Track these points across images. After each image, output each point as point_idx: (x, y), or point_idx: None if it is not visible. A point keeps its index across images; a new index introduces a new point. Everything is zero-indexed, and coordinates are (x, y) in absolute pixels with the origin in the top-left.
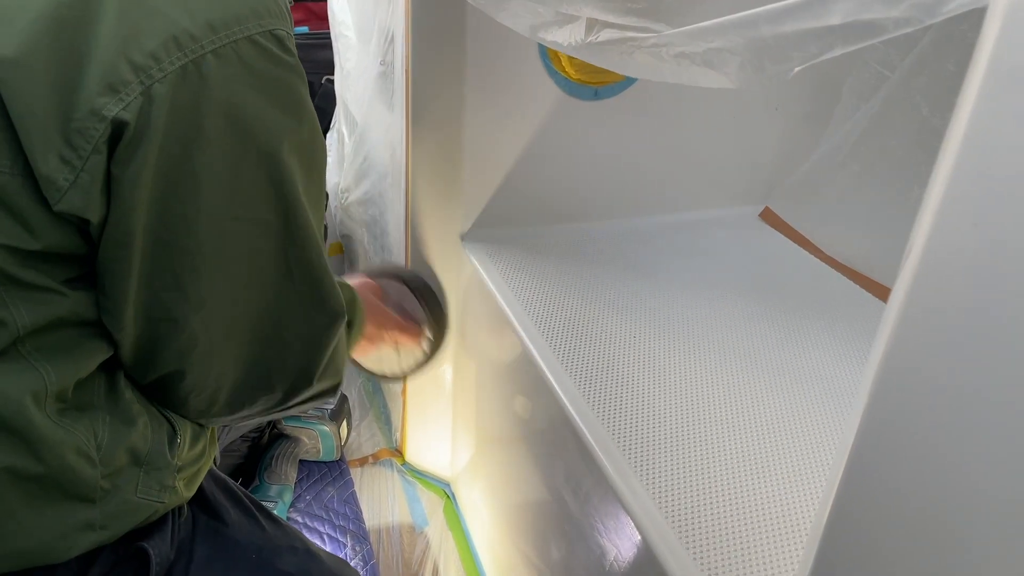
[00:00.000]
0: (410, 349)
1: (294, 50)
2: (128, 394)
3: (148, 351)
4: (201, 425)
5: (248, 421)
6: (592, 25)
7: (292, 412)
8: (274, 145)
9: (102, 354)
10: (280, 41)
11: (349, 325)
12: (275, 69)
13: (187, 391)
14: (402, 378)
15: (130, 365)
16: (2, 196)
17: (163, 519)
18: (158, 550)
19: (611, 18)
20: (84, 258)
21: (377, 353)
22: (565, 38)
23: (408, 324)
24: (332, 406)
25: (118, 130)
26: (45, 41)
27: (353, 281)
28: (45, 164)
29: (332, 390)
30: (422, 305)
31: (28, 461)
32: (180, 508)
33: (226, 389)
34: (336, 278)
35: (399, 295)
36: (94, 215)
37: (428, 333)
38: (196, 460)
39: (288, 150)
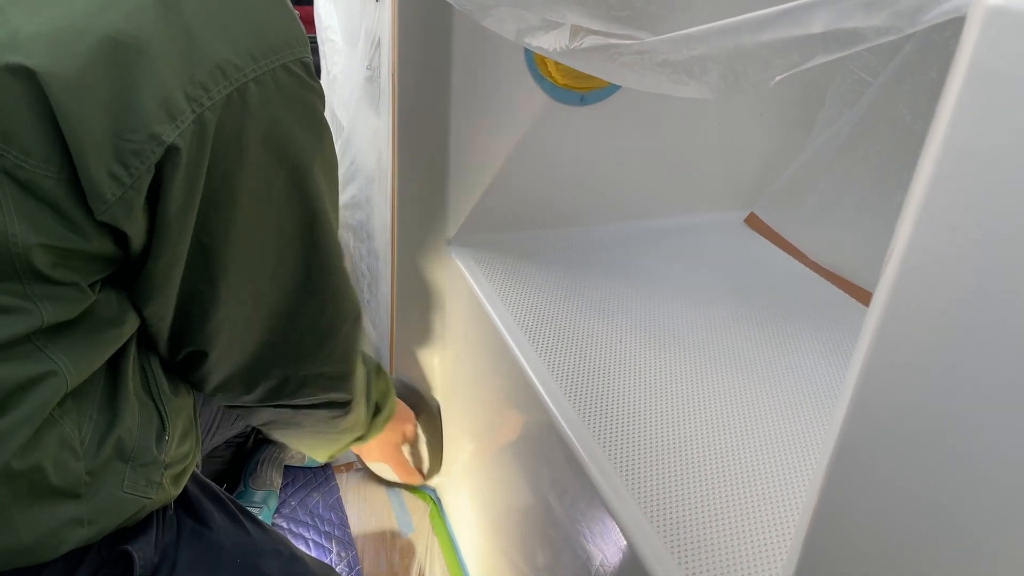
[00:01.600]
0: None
1: (315, 75)
2: (129, 385)
3: (179, 336)
4: (193, 419)
5: (257, 412)
6: (577, 31)
7: (302, 410)
8: (306, 163)
9: (113, 347)
10: (307, 67)
11: (378, 410)
12: (304, 93)
13: (209, 369)
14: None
15: (163, 347)
16: (50, 199)
17: (148, 523)
18: (142, 553)
19: (595, 25)
20: (113, 262)
21: (380, 459)
22: (550, 43)
23: (409, 434)
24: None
25: (169, 153)
26: (102, 65)
27: None
28: (96, 178)
29: (341, 404)
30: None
31: (14, 455)
32: (165, 511)
33: (242, 370)
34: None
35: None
36: (132, 228)
37: (423, 446)
38: (183, 458)
39: (316, 167)
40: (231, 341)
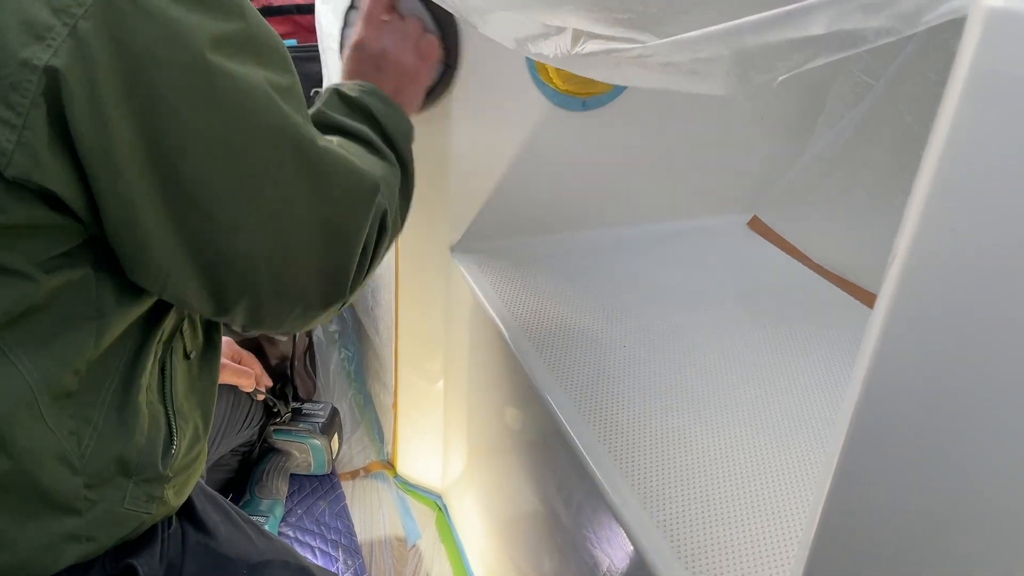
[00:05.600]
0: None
1: None
2: (140, 396)
3: (218, 296)
4: (205, 427)
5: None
6: (578, 36)
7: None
8: (199, 48)
9: (89, 342)
10: None
11: (404, 140)
12: None
13: (277, 318)
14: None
15: (214, 315)
16: None
17: (152, 535)
18: (147, 568)
19: (597, 29)
20: (60, 233)
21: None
22: (551, 50)
23: (425, 45)
24: (323, 420)
25: (53, 81)
26: None
27: (353, 57)
28: None
29: (406, 185)
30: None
31: (6, 468)
32: (169, 523)
33: (313, 300)
34: (350, 86)
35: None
36: (54, 181)
37: (437, 29)
38: (188, 466)
39: (242, 51)
40: (275, 275)
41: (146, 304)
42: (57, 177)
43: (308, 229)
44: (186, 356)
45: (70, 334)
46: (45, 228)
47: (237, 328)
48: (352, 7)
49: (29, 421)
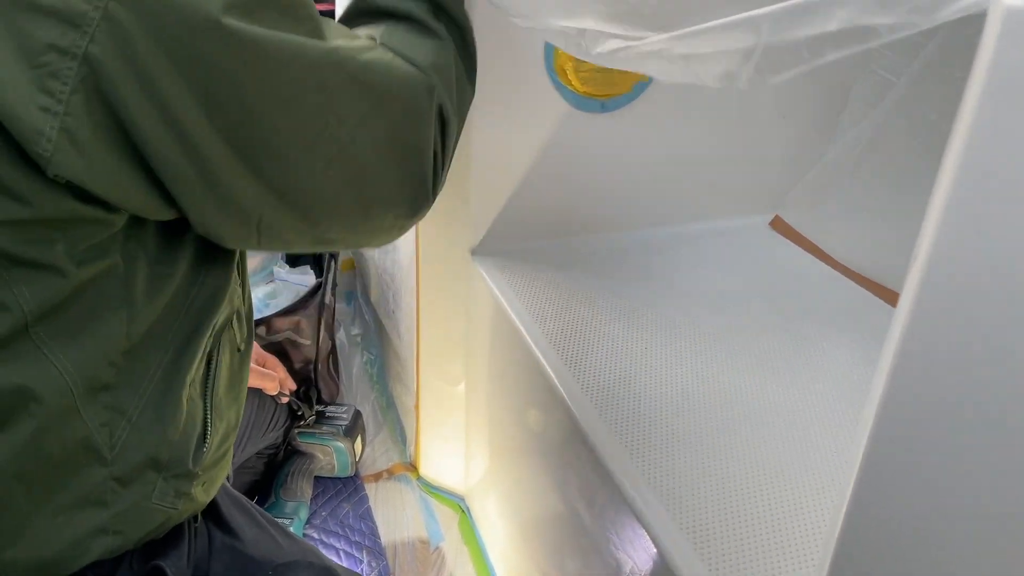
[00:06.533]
0: None
1: None
2: (184, 391)
3: (306, 226)
4: (237, 419)
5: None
6: (596, 37)
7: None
8: (246, 12)
9: (120, 331)
10: None
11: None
12: None
13: (369, 236)
14: None
15: (306, 245)
16: None
17: (180, 536)
18: (175, 569)
19: (614, 28)
20: (86, 228)
21: None
22: (573, 51)
23: None
24: (347, 422)
25: (92, 67)
26: None
27: None
28: (27, 117)
29: (468, 56)
30: None
31: (36, 460)
32: (195, 525)
33: (403, 212)
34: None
35: None
36: (91, 174)
37: None
38: (217, 463)
39: (261, 8)
40: (355, 204)
41: (170, 292)
42: (98, 170)
43: (379, 149)
44: (237, 349)
45: (100, 326)
46: (74, 221)
47: (340, 248)
48: None
49: (64, 414)
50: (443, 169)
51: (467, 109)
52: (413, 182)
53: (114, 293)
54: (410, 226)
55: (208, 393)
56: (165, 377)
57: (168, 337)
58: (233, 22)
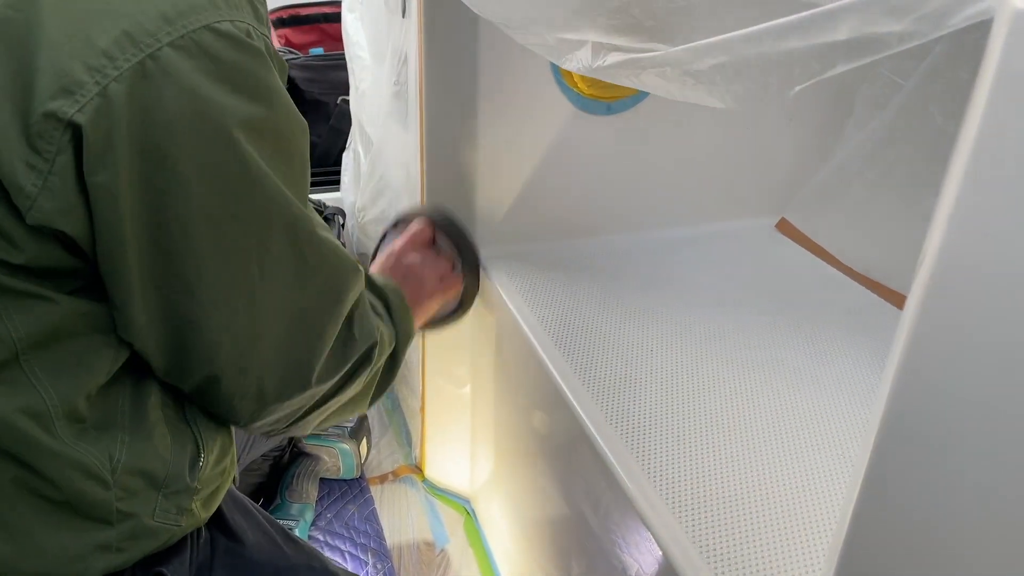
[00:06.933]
0: (452, 298)
1: (262, 43)
2: (156, 412)
3: (176, 358)
4: (231, 439)
5: (302, 421)
6: (599, 50)
7: (348, 395)
8: (228, 127)
9: (105, 368)
10: (245, 32)
11: (405, 338)
12: (237, 55)
13: (229, 395)
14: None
15: (164, 374)
16: None
17: (182, 543)
18: (177, 574)
19: (616, 40)
20: (76, 272)
21: (427, 314)
22: (574, 64)
23: (448, 280)
24: (352, 424)
25: (78, 133)
26: None
27: (386, 261)
28: (12, 172)
29: (390, 370)
30: (451, 244)
31: (38, 483)
32: (199, 530)
33: (269, 387)
34: (379, 277)
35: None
36: (74, 227)
37: (463, 273)
38: (216, 479)
39: (245, 132)
40: (237, 357)
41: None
42: (75, 223)
43: (280, 314)
44: None
45: (91, 360)
46: (62, 266)
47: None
48: (387, 234)
49: (47, 440)
50: (337, 382)
51: (382, 385)
52: (295, 363)
53: (106, 331)
54: (265, 413)
55: (187, 417)
56: (132, 404)
57: (127, 371)
58: (242, 140)
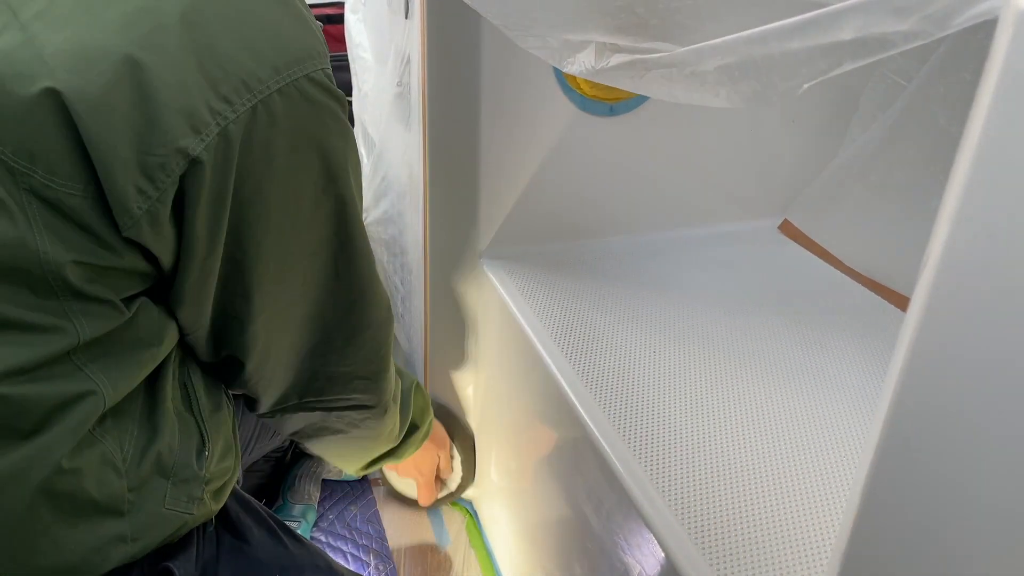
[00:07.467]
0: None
1: (335, 84)
2: (168, 402)
3: (216, 342)
4: (234, 437)
5: (289, 418)
6: (602, 51)
7: (333, 412)
8: (341, 165)
9: (150, 366)
10: (329, 77)
11: (415, 428)
12: (328, 100)
13: (247, 378)
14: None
15: (199, 352)
16: (77, 216)
17: (189, 539)
18: (183, 570)
19: (620, 41)
20: (146, 278)
21: (412, 476)
22: (576, 67)
23: (443, 464)
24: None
25: (193, 167)
26: (126, 84)
27: None
28: (124, 192)
29: (371, 406)
30: (451, 438)
31: (56, 473)
32: (205, 527)
33: (278, 380)
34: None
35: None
36: (158, 245)
37: (457, 464)
38: (224, 473)
39: (350, 168)
40: (265, 351)
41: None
42: (163, 243)
43: (303, 330)
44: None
45: (137, 356)
46: (137, 272)
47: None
48: None
49: (90, 433)
50: (329, 400)
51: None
52: (305, 372)
53: (152, 331)
54: (272, 401)
55: (194, 411)
56: (148, 396)
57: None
58: (338, 171)
